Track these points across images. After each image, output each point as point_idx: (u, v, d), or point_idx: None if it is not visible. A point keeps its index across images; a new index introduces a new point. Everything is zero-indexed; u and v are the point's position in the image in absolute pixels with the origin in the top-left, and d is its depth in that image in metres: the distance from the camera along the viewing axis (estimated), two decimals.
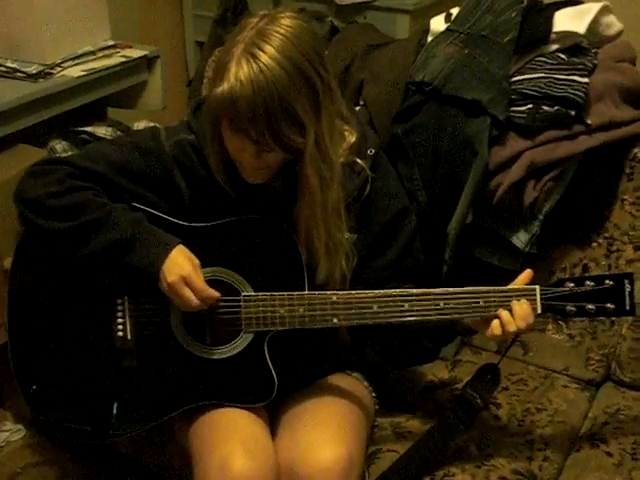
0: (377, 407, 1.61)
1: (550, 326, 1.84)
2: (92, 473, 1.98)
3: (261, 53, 1.27)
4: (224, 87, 1.27)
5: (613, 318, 1.76)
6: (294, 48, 1.29)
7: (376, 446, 1.58)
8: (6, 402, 2.12)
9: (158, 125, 1.93)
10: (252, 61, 1.26)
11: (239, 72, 1.26)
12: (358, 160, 1.46)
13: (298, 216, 1.40)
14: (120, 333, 1.47)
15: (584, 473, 1.53)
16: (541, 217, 1.74)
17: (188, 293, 1.37)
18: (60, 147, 2.16)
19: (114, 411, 1.49)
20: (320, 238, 1.39)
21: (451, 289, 1.38)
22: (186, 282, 1.36)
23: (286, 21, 1.31)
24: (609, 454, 1.57)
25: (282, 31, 1.29)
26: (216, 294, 1.40)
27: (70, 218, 1.40)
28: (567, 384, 1.78)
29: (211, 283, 1.43)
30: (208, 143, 1.40)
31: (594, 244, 1.81)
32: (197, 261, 1.40)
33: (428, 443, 1.51)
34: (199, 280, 1.38)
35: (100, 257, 1.40)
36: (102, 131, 2.20)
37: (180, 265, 1.37)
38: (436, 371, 1.79)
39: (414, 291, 1.38)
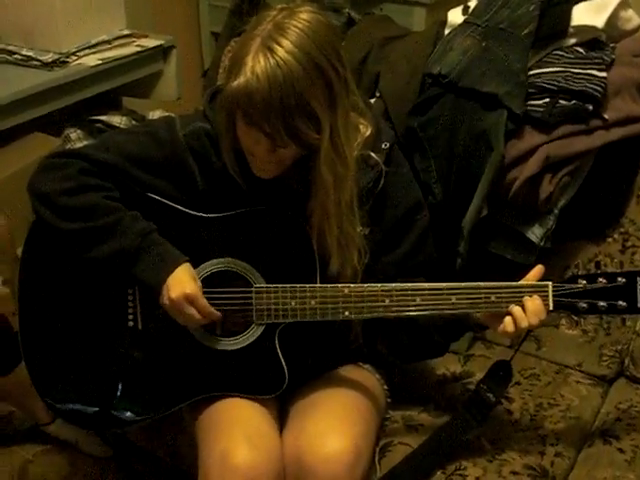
0: (389, 400, 1.61)
1: (564, 321, 1.83)
2: (103, 462, 1.99)
3: (278, 47, 1.26)
4: (240, 81, 1.27)
5: (625, 316, 1.75)
6: (312, 43, 1.28)
7: (388, 439, 1.58)
8: None
9: (173, 114, 1.92)
10: (269, 55, 1.26)
11: (256, 66, 1.26)
12: (372, 154, 1.46)
13: (311, 211, 1.40)
14: (131, 323, 1.47)
15: (596, 469, 1.53)
16: (556, 212, 1.73)
17: (191, 310, 1.37)
18: (75, 135, 2.17)
19: (125, 400, 1.49)
20: (332, 234, 1.39)
21: (463, 284, 1.37)
22: (189, 300, 1.36)
23: (304, 15, 1.30)
24: (621, 450, 1.56)
25: (300, 25, 1.28)
26: (218, 314, 1.41)
27: (79, 220, 1.39)
28: (580, 380, 1.77)
29: (223, 274, 1.43)
30: (222, 135, 1.39)
31: (609, 239, 1.80)
32: (200, 283, 1.40)
33: (441, 439, 1.51)
34: (202, 299, 1.38)
35: (105, 263, 1.40)
36: (117, 120, 2.21)
37: (183, 283, 1.36)
38: (449, 365, 1.79)
39: (426, 285, 1.37)
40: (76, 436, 1.94)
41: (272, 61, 1.25)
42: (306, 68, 1.26)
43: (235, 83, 1.27)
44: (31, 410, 1.91)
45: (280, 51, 1.26)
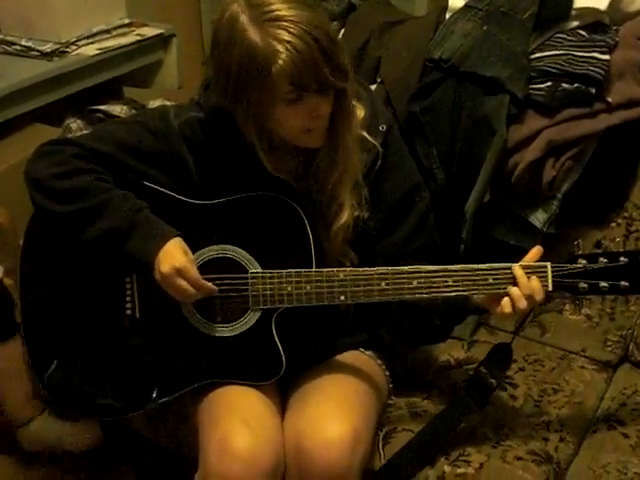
0: (391, 386, 1.61)
1: (567, 307, 1.83)
2: (108, 451, 1.99)
3: (276, 13, 1.26)
4: (281, 60, 1.25)
5: (630, 296, 1.74)
6: None
7: (391, 425, 1.58)
8: None
9: (168, 103, 1.92)
10: (277, 22, 1.25)
11: (275, 41, 1.25)
12: (368, 136, 1.45)
13: (328, 159, 1.39)
14: (129, 312, 1.48)
15: (600, 454, 1.52)
16: (560, 196, 1.72)
17: (182, 283, 1.36)
18: (75, 126, 2.16)
19: (124, 389, 1.49)
20: (345, 181, 1.40)
21: (460, 266, 1.35)
22: (180, 273, 1.36)
23: None
24: (626, 435, 1.56)
25: None
26: (212, 287, 1.40)
27: (71, 201, 1.40)
28: (584, 365, 1.76)
29: (218, 260, 1.42)
30: (256, 141, 1.36)
31: (613, 224, 1.79)
32: (192, 256, 1.39)
33: (442, 423, 1.50)
34: (193, 271, 1.37)
35: (99, 243, 1.41)
36: (117, 109, 2.20)
37: (174, 256, 1.36)
38: (452, 351, 1.78)
39: (423, 268, 1.36)
40: (59, 431, 1.82)
41: (283, 24, 1.25)
42: (308, 7, 1.28)
43: (277, 67, 1.25)
44: (10, 405, 1.78)
45: (281, 10, 1.25)
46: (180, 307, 1.45)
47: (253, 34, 1.26)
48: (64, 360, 1.51)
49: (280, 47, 1.25)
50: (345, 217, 1.41)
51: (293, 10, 1.26)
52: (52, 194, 1.41)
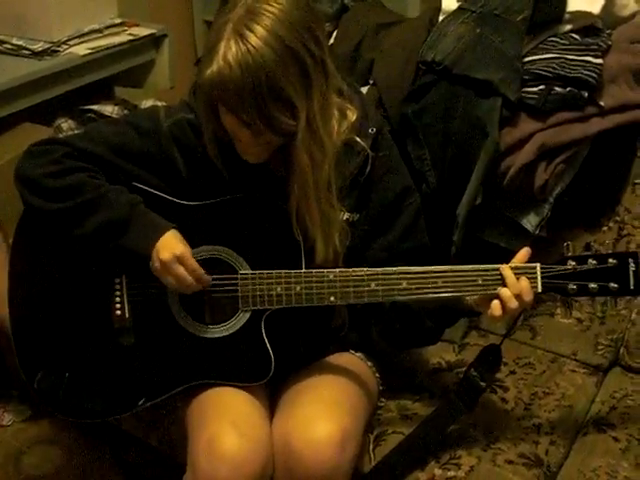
0: (381, 388, 1.60)
1: (559, 310, 1.83)
2: (97, 452, 1.99)
3: (250, 33, 1.24)
4: (213, 69, 1.25)
5: (620, 300, 1.73)
6: (283, 26, 1.25)
7: (382, 428, 1.57)
8: (12, 382, 2.12)
9: (158, 104, 1.92)
10: (240, 42, 1.24)
11: (227, 53, 1.24)
12: (358, 139, 1.44)
13: (290, 196, 1.39)
14: (118, 312, 1.47)
15: (590, 458, 1.53)
16: (551, 200, 1.72)
17: (182, 271, 1.36)
18: (66, 126, 2.15)
19: (113, 389, 1.48)
20: (313, 218, 1.38)
21: (449, 267, 1.35)
22: (180, 261, 1.36)
23: None
24: (616, 439, 1.56)
25: (271, 9, 1.26)
26: (208, 277, 1.40)
27: (66, 199, 1.40)
28: (575, 368, 1.77)
29: (209, 261, 1.42)
30: (203, 123, 1.39)
31: (604, 228, 1.79)
32: (189, 248, 1.39)
33: (432, 426, 1.50)
34: (192, 259, 1.37)
35: (95, 238, 1.41)
36: (108, 109, 2.19)
37: (173, 245, 1.36)
38: (443, 354, 1.78)
39: (412, 269, 1.36)
40: None
41: (243, 48, 1.23)
42: (278, 53, 1.24)
43: (208, 71, 1.26)
44: None
45: (252, 38, 1.23)
46: (170, 308, 1.45)
47: (225, 32, 1.26)
48: (54, 362, 1.50)
49: (221, 58, 1.24)
50: (321, 256, 1.40)
51: (262, 43, 1.23)
52: (46, 193, 1.41)
